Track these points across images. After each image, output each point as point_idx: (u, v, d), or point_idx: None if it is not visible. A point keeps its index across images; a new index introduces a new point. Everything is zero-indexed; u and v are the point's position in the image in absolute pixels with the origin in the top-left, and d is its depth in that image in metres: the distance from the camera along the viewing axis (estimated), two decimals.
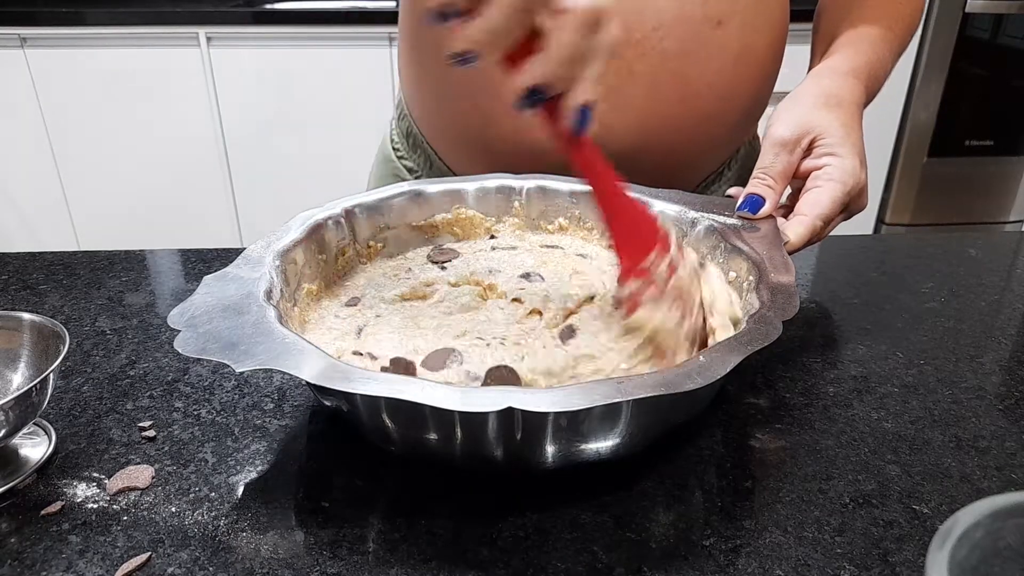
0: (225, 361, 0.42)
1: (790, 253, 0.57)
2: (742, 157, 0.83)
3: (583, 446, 0.44)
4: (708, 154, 0.79)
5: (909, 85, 2.30)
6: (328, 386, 0.40)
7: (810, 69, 0.74)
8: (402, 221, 0.66)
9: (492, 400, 0.39)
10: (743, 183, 0.64)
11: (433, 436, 0.44)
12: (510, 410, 0.38)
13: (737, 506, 0.46)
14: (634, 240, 0.51)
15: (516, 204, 0.68)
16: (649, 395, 0.40)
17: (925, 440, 0.52)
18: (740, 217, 0.61)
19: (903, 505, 0.46)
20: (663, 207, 0.64)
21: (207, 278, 0.51)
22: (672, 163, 0.76)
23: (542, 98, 0.42)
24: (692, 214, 0.62)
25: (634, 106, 0.70)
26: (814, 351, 0.63)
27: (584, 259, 0.64)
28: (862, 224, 2.42)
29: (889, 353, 0.63)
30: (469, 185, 0.68)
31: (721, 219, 0.61)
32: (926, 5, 0.78)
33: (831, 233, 0.64)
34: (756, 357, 0.58)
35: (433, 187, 0.67)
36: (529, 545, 0.43)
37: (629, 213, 0.51)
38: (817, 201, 0.61)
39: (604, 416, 0.43)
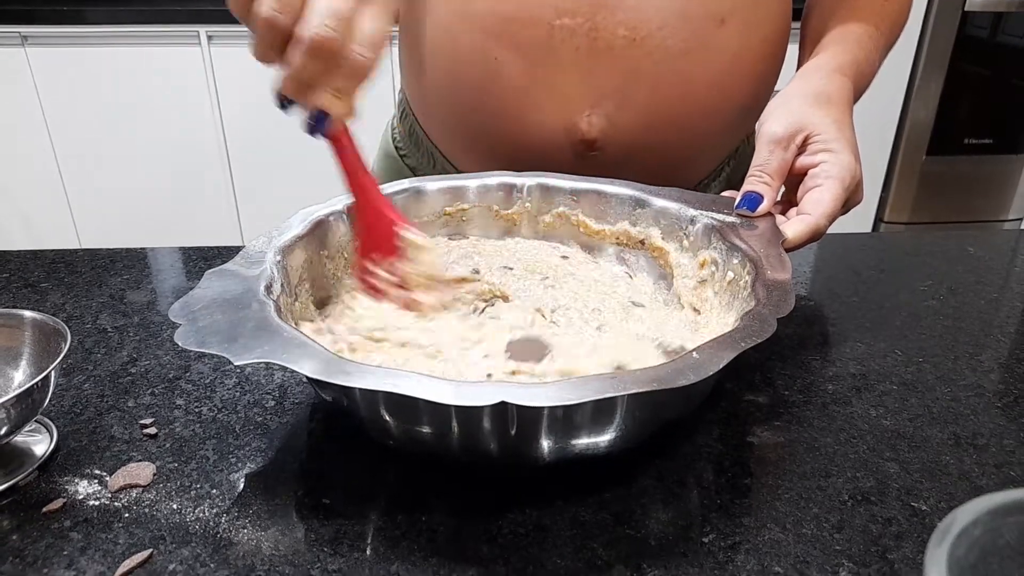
0: (224, 355, 0.42)
1: (788, 251, 0.57)
2: (740, 155, 0.84)
3: (578, 441, 0.45)
4: (708, 152, 0.80)
5: (908, 83, 2.30)
6: (325, 380, 0.40)
7: (798, 67, 0.74)
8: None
9: (486, 394, 0.39)
10: (740, 180, 0.65)
11: (429, 430, 0.45)
12: (504, 404, 0.38)
13: (736, 503, 0.46)
14: (370, 236, 0.58)
15: (518, 201, 0.68)
16: (642, 390, 0.40)
17: (924, 437, 0.53)
18: (738, 215, 0.61)
19: (902, 502, 0.47)
20: (663, 205, 0.64)
21: (208, 273, 0.51)
22: (673, 160, 0.76)
23: (322, 120, 0.51)
24: (691, 212, 0.63)
25: (638, 105, 0.70)
26: (813, 349, 0.63)
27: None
28: (861, 222, 2.42)
29: (888, 351, 0.63)
30: (470, 182, 0.68)
31: (720, 217, 0.61)
32: (912, 4, 0.78)
33: (829, 231, 0.65)
34: (755, 355, 0.58)
35: (434, 184, 0.67)
36: (529, 542, 0.44)
37: (372, 215, 0.58)
38: (820, 200, 0.61)
39: (598, 411, 0.43)
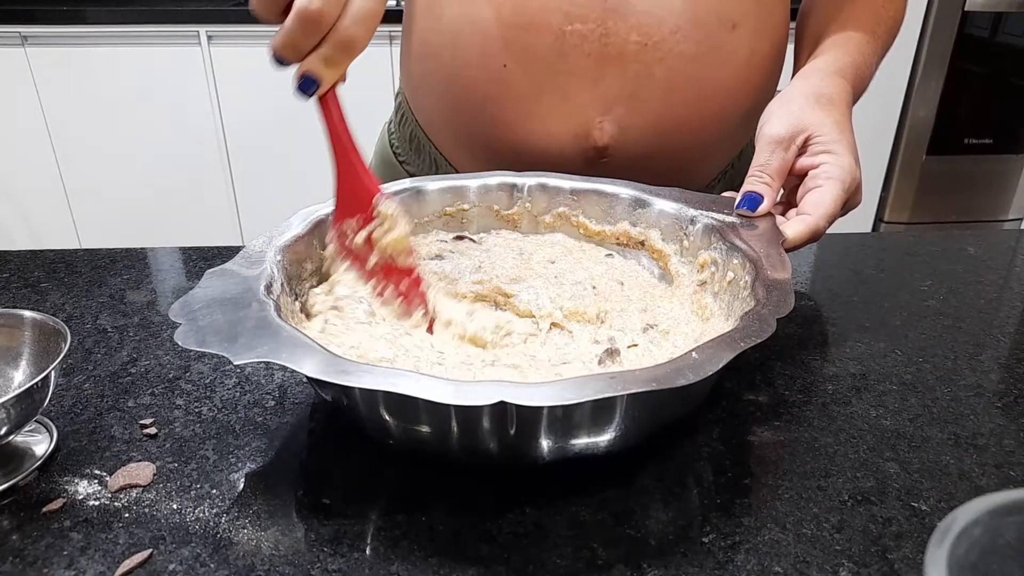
0: (223, 354, 0.42)
1: (788, 251, 0.57)
2: (743, 157, 0.84)
3: (578, 441, 0.45)
4: (716, 155, 0.80)
5: (908, 83, 2.30)
6: (324, 379, 0.40)
7: (795, 69, 0.75)
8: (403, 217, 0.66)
9: (484, 394, 0.39)
10: (742, 181, 0.65)
11: (428, 429, 0.45)
12: (503, 404, 0.38)
13: (736, 503, 0.46)
14: (346, 199, 0.58)
15: (518, 201, 0.68)
16: (641, 390, 0.40)
17: (924, 437, 0.53)
18: (739, 215, 0.61)
19: (902, 502, 0.47)
20: (663, 205, 0.64)
21: (208, 272, 0.51)
22: (682, 164, 0.76)
23: (311, 83, 0.53)
24: (691, 212, 0.63)
25: (651, 109, 0.71)
26: (813, 348, 0.63)
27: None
28: (861, 222, 2.43)
29: (888, 351, 0.63)
30: (471, 182, 0.68)
31: (720, 217, 0.61)
32: (906, 10, 0.79)
33: (828, 231, 0.65)
34: (755, 354, 0.58)
35: (434, 184, 0.67)
36: (529, 542, 0.44)
37: (350, 178, 0.58)
38: (820, 201, 0.61)
39: (597, 411, 0.43)
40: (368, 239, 0.57)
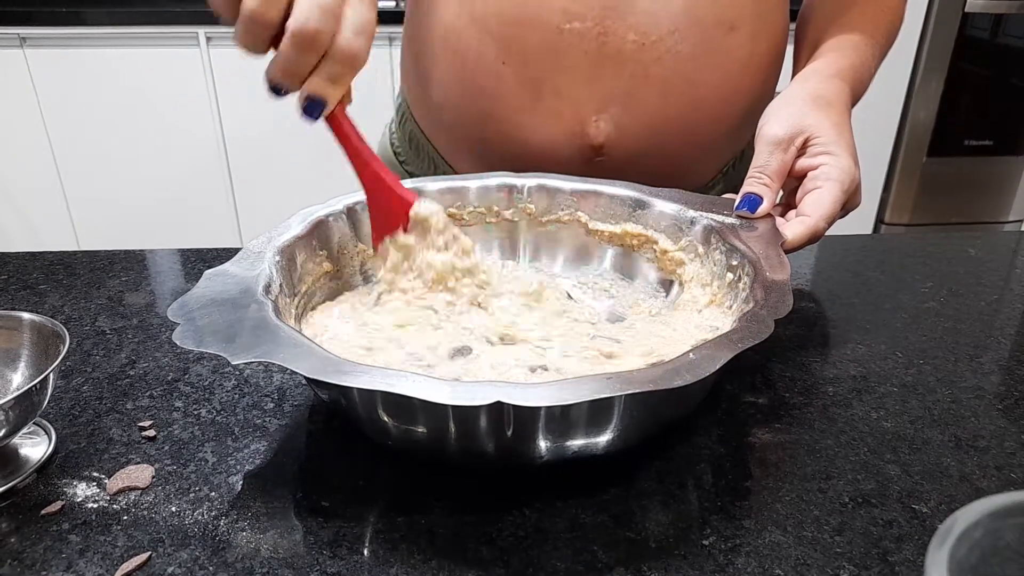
0: (221, 354, 0.42)
1: (787, 252, 0.57)
2: (743, 159, 0.84)
3: (576, 441, 0.44)
4: (713, 157, 0.80)
5: (909, 84, 2.30)
6: (321, 379, 0.40)
7: (794, 71, 0.75)
8: None
9: (481, 394, 0.39)
10: (742, 183, 0.65)
11: (426, 430, 0.45)
12: (500, 404, 0.38)
13: (736, 505, 0.46)
14: (381, 215, 0.58)
15: (518, 202, 0.68)
16: (638, 391, 0.40)
17: (924, 440, 0.52)
18: (738, 216, 0.61)
19: (902, 505, 0.46)
20: (662, 206, 0.64)
21: (207, 273, 0.51)
22: (679, 165, 0.76)
23: (318, 106, 0.52)
24: (691, 213, 0.63)
25: (647, 109, 0.71)
26: (813, 350, 0.63)
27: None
28: (861, 223, 2.42)
29: (888, 353, 0.63)
30: (470, 183, 0.68)
31: (719, 218, 0.61)
32: (905, 15, 0.79)
33: (828, 232, 0.64)
34: (755, 356, 0.58)
35: (434, 184, 0.67)
36: (529, 544, 0.43)
37: (381, 191, 0.58)
38: (819, 202, 0.61)
39: (595, 411, 0.43)
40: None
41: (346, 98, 0.54)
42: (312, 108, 0.51)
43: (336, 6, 0.49)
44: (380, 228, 0.59)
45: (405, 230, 0.58)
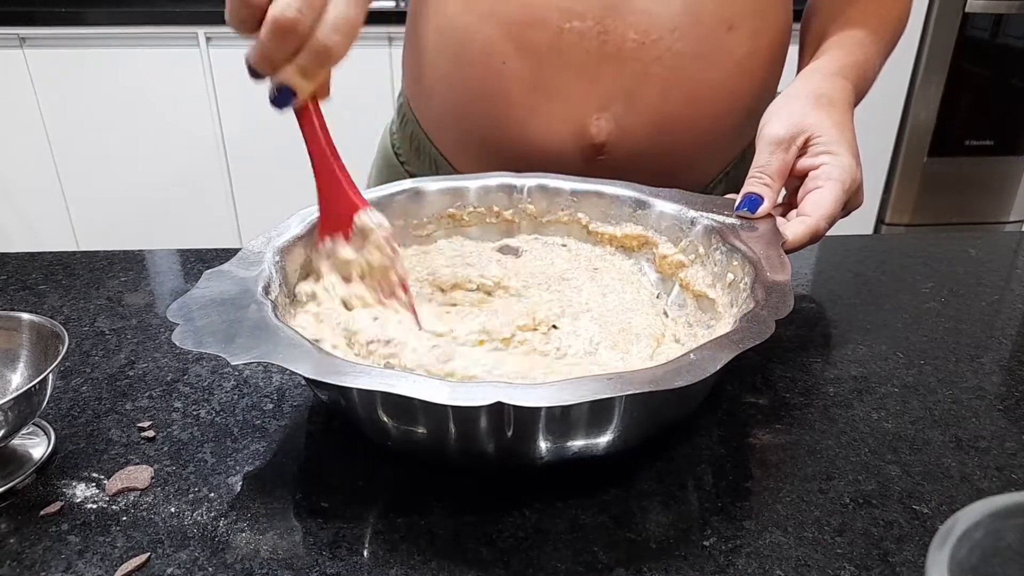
0: (220, 354, 0.42)
1: (788, 252, 0.57)
2: (744, 158, 0.84)
3: (576, 442, 0.44)
4: (714, 156, 0.80)
5: (909, 85, 2.30)
6: (321, 380, 0.40)
7: (799, 70, 0.75)
8: (403, 218, 0.66)
9: (481, 395, 0.39)
10: (743, 183, 0.64)
11: (425, 431, 0.45)
12: (500, 405, 0.38)
13: (737, 506, 0.46)
14: (330, 215, 0.57)
15: (519, 203, 0.68)
16: (638, 391, 0.40)
17: (925, 440, 0.52)
18: (739, 216, 0.61)
19: (903, 505, 0.46)
20: (663, 206, 0.64)
21: (206, 273, 0.51)
22: (680, 164, 0.76)
23: (287, 95, 0.52)
24: (691, 213, 0.62)
25: (646, 108, 0.71)
26: (814, 351, 0.63)
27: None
28: (862, 224, 2.42)
29: (889, 353, 0.63)
30: (470, 183, 0.68)
31: (720, 218, 0.61)
32: (910, 11, 0.79)
33: (829, 232, 0.64)
34: (755, 357, 0.58)
35: (434, 185, 0.67)
36: (529, 545, 0.43)
37: (333, 191, 0.57)
38: (820, 201, 0.61)
39: (595, 412, 0.43)
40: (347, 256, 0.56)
41: (322, 92, 0.54)
42: (281, 98, 0.51)
43: (319, 1, 0.49)
44: (326, 226, 0.57)
45: (346, 237, 0.56)
